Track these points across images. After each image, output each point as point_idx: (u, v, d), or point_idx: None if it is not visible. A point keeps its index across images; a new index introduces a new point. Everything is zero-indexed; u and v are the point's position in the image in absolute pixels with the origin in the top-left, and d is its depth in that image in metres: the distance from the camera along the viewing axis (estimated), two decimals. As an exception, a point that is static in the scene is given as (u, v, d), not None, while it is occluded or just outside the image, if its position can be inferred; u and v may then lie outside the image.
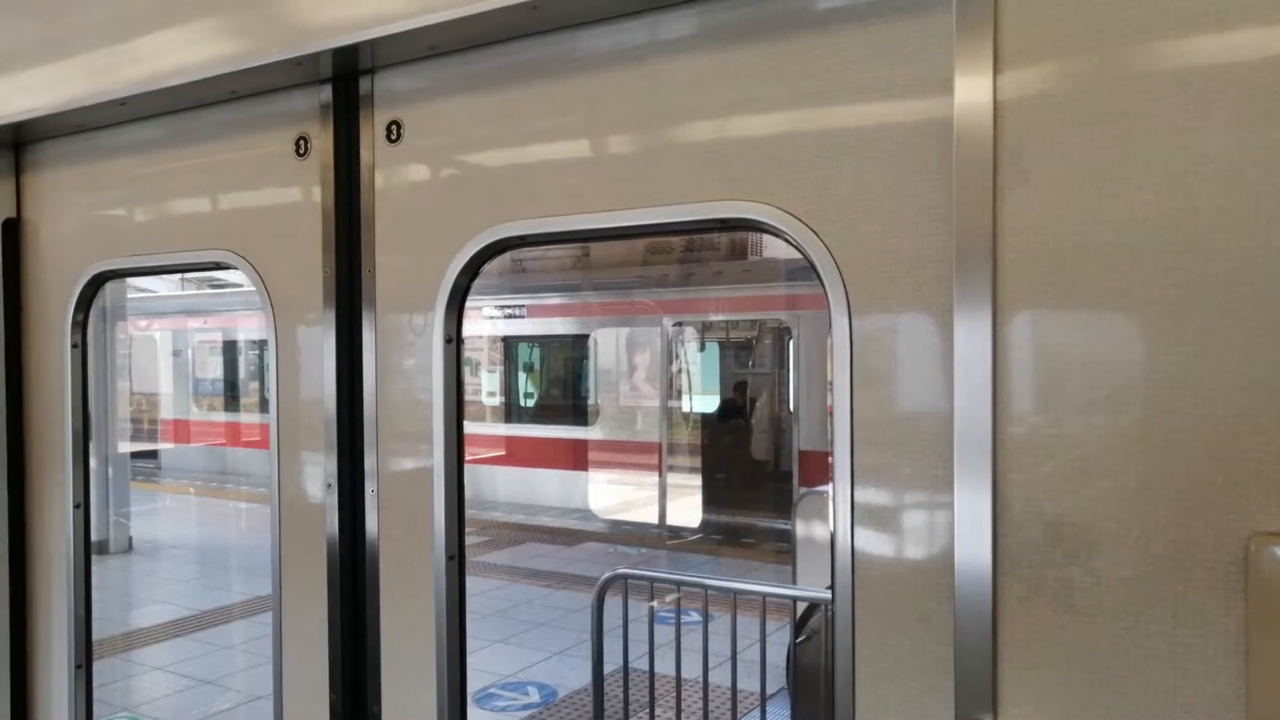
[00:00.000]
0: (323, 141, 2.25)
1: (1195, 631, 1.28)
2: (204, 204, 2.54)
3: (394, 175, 2.13)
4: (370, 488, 2.17)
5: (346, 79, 2.19)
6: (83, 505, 2.94)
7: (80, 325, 2.83)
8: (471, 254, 2.01)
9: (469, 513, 2.12)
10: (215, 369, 18.03)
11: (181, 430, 17.29)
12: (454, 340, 2.07)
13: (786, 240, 1.64)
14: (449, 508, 2.04)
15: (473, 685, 6.32)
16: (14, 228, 2.91)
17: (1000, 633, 1.40)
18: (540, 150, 1.92)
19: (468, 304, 2.10)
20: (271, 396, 2.38)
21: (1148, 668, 1.31)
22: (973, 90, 1.40)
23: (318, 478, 2.28)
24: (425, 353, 2.08)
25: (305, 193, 2.29)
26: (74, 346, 2.81)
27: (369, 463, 2.16)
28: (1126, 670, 1.33)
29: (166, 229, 2.61)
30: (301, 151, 2.31)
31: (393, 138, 2.13)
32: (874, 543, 1.58)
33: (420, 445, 2.07)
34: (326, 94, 2.26)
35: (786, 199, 1.61)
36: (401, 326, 2.13)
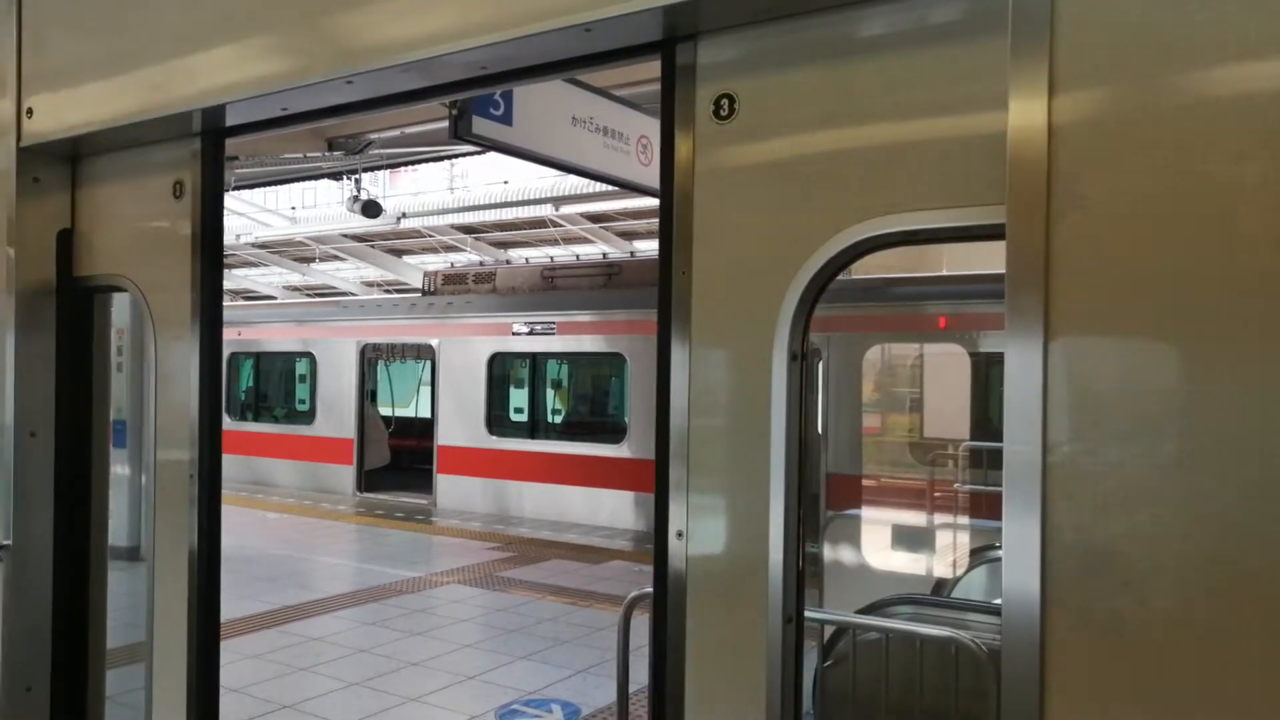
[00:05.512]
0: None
1: (1250, 665, 1.25)
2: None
3: (722, 158, 1.82)
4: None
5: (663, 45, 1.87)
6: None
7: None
8: (835, 253, 1.70)
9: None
10: (247, 379, 18.19)
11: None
12: (799, 356, 1.78)
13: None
14: (784, 559, 1.77)
15: (495, 701, 6.29)
16: (68, 238, 2.97)
17: (1048, 664, 1.37)
18: (925, 128, 1.63)
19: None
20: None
21: (1201, 703, 1.27)
22: (1027, 113, 1.38)
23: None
24: (759, 370, 1.77)
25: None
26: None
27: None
28: (1177, 705, 1.29)
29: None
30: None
31: (723, 114, 1.81)
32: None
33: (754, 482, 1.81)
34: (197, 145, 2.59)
35: None
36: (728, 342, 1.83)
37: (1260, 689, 1.24)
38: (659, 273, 1.88)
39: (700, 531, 1.83)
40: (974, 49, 1.56)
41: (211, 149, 2.61)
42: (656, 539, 1.88)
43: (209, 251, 2.64)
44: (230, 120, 2.46)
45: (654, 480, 1.91)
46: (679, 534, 1.84)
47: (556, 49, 1.92)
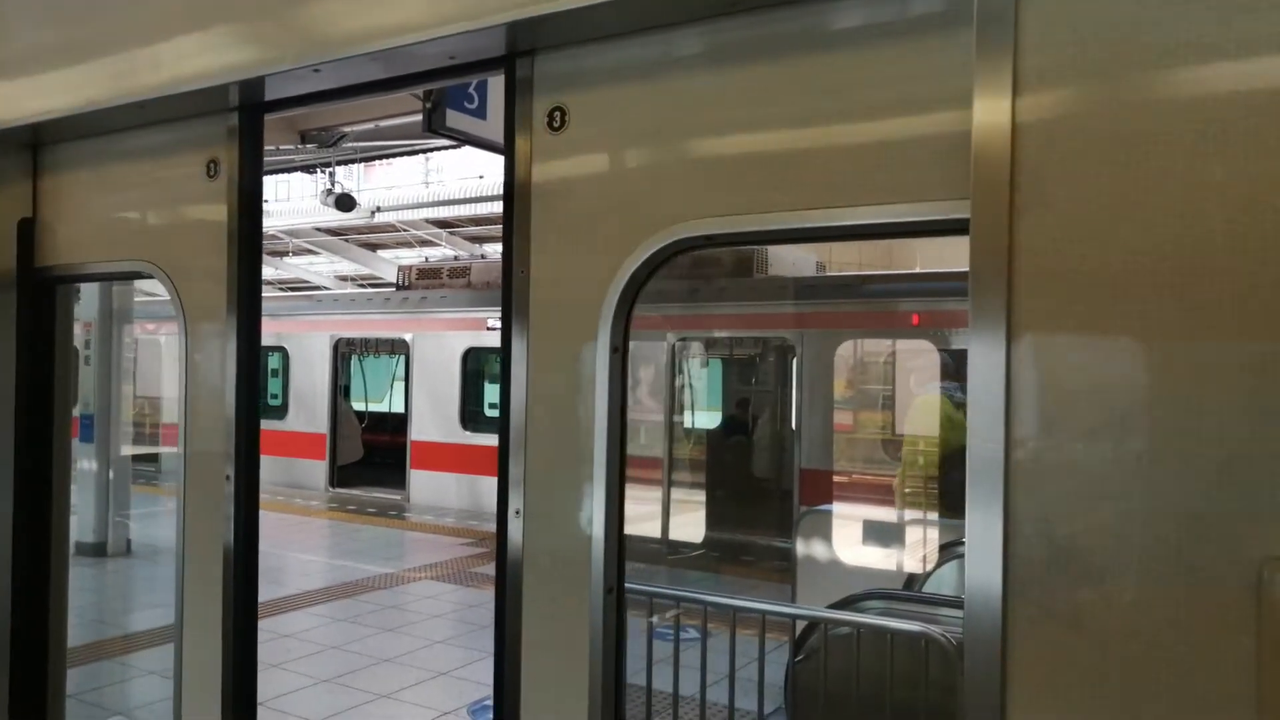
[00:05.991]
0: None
1: (1207, 657, 1.26)
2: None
3: (554, 167, 1.99)
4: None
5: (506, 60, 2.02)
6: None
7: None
8: (647, 255, 1.86)
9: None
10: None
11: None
12: (620, 350, 1.93)
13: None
14: (605, 535, 1.92)
15: (467, 697, 6.28)
16: (29, 227, 2.92)
17: (1009, 655, 1.38)
18: (731, 142, 1.78)
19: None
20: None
21: (1158, 693, 1.29)
22: (991, 111, 1.40)
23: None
24: (587, 363, 1.94)
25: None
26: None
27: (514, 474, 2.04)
28: (1137, 695, 1.31)
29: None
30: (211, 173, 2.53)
31: (555, 125, 1.98)
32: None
33: (581, 466, 1.95)
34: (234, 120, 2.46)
35: None
36: (562, 333, 1.98)
37: (1217, 682, 1.26)
38: (502, 272, 2.05)
39: (535, 511, 1.99)
40: (788, 64, 1.69)
41: (249, 125, 2.47)
42: (498, 519, 2.05)
43: (247, 236, 2.49)
44: (269, 94, 2.38)
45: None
46: (516, 512, 2.01)
47: (408, 62, 2.04)
